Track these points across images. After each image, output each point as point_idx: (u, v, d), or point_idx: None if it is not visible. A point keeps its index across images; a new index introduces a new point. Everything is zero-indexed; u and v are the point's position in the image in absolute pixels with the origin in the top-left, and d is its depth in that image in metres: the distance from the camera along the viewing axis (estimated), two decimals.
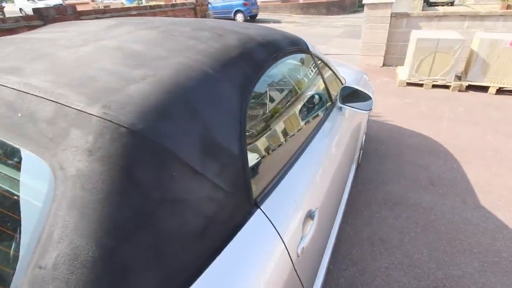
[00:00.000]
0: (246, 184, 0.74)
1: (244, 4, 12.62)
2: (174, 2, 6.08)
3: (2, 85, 0.64)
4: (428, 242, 1.82)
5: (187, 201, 0.60)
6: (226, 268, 0.63)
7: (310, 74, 1.34)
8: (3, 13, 11.01)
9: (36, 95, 0.60)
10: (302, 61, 1.29)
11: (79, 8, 4.14)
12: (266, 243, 0.72)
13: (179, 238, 0.57)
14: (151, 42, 0.82)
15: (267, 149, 0.90)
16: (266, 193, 0.81)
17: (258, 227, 0.73)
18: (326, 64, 1.53)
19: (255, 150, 0.84)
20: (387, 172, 2.52)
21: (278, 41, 1.05)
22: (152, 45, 0.80)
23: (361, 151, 2.51)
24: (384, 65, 5.46)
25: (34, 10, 3.62)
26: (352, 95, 1.50)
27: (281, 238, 0.75)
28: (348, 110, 1.54)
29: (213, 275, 0.60)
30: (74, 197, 0.51)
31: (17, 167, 0.58)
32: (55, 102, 0.58)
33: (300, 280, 0.84)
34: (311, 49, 1.35)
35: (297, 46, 1.19)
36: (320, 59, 1.45)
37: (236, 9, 12.78)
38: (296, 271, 0.80)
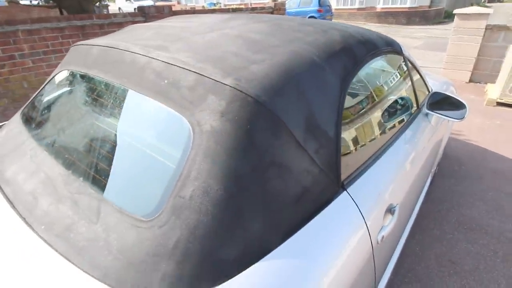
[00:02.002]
0: (337, 166, 0.80)
1: (318, 11, 12.58)
2: (253, 6, 6.39)
3: (153, 58, 0.81)
4: (508, 274, 1.63)
5: (290, 169, 0.69)
6: (312, 237, 0.69)
7: (400, 76, 1.33)
8: (108, 11, 12.86)
9: (181, 67, 0.75)
10: (394, 62, 1.30)
11: None
12: (350, 222, 0.77)
13: (280, 199, 0.66)
14: (265, 33, 0.93)
15: (355, 140, 0.94)
16: (352, 178, 0.86)
17: (344, 207, 0.78)
18: (416, 69, 1.50)
19: (345, 138, 0.89)
20: (463, 194, 2.32)
21: (375, 40, 1.09)
22: (266, 35, 0.92)
23: (437, 167, 2.35)
24: (470, 81, 4.96)
25: (138, 8, 4.19)
26: (441, 103, 1.44)
27: (365, 221, 0.79)
28: (434, 118, 1.48)
29: (299, 240, 0.67)
30: (208, 148, 0.63)
31: (164, 122, 0.73)
32: (196, 73, 0.72)
33: (374, 268, 0.87)
34: (404, 52, 1.35)
35: (391, 47, 1.21)
36: (411, 63, 1.44)
37: (310, 15, 12.81)
38: (373, 257, 0.83)
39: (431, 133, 1.48)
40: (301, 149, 0.71)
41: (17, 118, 1.08)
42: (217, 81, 0.69)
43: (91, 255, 0.59)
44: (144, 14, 4.08)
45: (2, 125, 1.21)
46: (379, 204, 0.88)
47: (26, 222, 0.68)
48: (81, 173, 0.74)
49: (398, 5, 14.43)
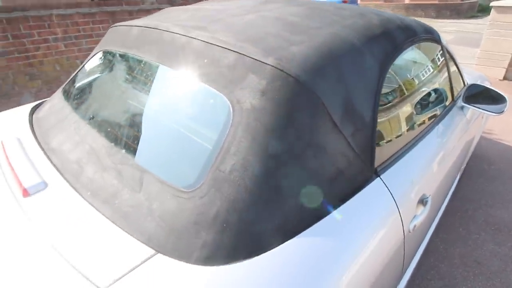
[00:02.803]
0: (371, 151, 0.79)
1: (344, 1, 12.25)
2: None
3: (193, 38, 0.82)
4: None
5: (326, 150, 0.69)
6: (345, 219, 0.70)
7: (436, 66, 1.29)
8: None
9: (221, 46, 0.76)
10: (431, 51, 1.26)
11: None
12: (383, 208, 0.77)
13: (315, 179, 0.67)
14: (303, 16, 0.93)
15: (389, 127, 0.93)
16: (386, 165, 0.85)
17: (377, 192, 0.78)
18: (453, 59, 1.45)
19: (380, 124, 0.88)
20: (493, 195, 2.23)
21: (414, 26, 1.06)
22: (305, 17, 0.91)
23: (465, 165, 2.27)
24: (505, 78, 4.70)
25: None
26: (477, 96, 1.39)
27: (398, 209, 0.78)
28: (469, 112, 1.43)
29: (333, 221, 0.68)
30: (248, 125, 0.64)
31: (204, 100, 0.74)
32: (236, 52, 0.73)
33: (404, 257, 0.86)
34: (442, 41, 1.30)
35: (430, 34, 1.17)
36: (449, 53, 1.38)
37: None
38: (404, 246, 0.83)
39: (464, 127, 1.43)
40: (337, 132, 0.71)
41: (59, 94, 1.14)
42: (258, 60, 0.70)
43: (135, 220, 0.62)
44: (170, 1, 4.13)
45: (45, 101, 1.27)
46: (412, 193, 0.87)
47: (74, 188, 0.73)
48: (124, 145, 0.77)
49: None
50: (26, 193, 0.70)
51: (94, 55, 1.14)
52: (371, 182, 0.79)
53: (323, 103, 0.69)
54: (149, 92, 0.86)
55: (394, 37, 0.92)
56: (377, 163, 0.82)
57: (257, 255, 0.57)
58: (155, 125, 0.78)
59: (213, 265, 0.55)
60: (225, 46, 0.75)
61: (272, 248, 0.59)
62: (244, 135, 0.63)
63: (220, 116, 0.69)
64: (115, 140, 0.80)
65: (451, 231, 1.89)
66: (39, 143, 0.92)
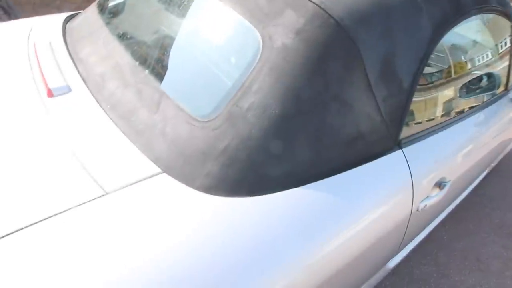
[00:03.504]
0: (401, 121, 0.74)
1: None
2: None
3: None
4: None
5: (352, 108, 0.64)
6: (355, 182, 0.68)
7: (499, 46, 1.14)
8: None
9: None
10: (499, 28, 1.10)
11: None
12: (397, 181, 0.74)
13: (334, 135, 0.64)
14: None
15: (425, 101, 0.85)
16: (411, 140, 0.80)
17: (395, 164, 0.74)
18: None
19: (417, 95, 0.81)
20: None
21: None
22: None
23: (496, 163, 2.13)
24: None
25: None
26: None
27: (413, 185, 0.75)
28: None
29: (342, 180, 0.66)
30: (276, 64, 0.60)
31: (235, 31, 0.70)
32: None
33: (404, 234, 0.85)
34: None
35: (503, 7, 1.01)
36: None
37: None
38: (408, 223, 0.81)
39: (509, 121, 1.30)
40: (369, 92, 0.66)
41: (93, 7, 1.12)
42: None
43: (147, 138, 0.63)
44: None
45: (79, 12, 1.26)
46: (432, 173, 0.82)
47: (96, 98, 0.74)
48: (148, 66, 0.76)
49: None
50: (50, 93, 0.73)
51: None
52: (391, 152, 0.75)
53: (362, 56, 0.63)
54: (181, 16, 0.82)
55: (460, 0, 0.80)
56: (402, 135, 0.77)
57: (259, 194, 0.57)
58: (182, 50, 0.75)
59: (214, 194, 0.56)
60: None
61: (274, 192, 0.59)
62: (269, 74, 0.60)
63: (248, 51, 0.65)
64: (140, 59, 0.79)
65: (460, 224, 1.84)
66: (68, 51, 0.92)
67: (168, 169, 0.59)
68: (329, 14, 0.60)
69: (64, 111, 0.70)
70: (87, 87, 0.78)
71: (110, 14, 1.03)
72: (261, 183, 0.58)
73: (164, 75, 0.73)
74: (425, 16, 0.72)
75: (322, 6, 0.61)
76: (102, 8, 1.08)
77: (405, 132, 0.78)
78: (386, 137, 0.73)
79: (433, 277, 1.52)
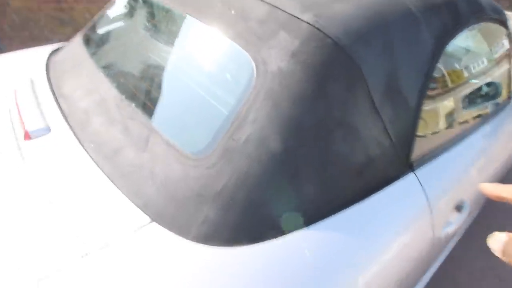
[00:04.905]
0: (410, 142, 0.68)
1: None
2: None
3: None
4: None
5: (358, 133, 0.59)
6: (368, 215, 0.61)
7: (498, 54, 1.11)
8: None
9: None
10: (495, 36, 1.07)
11: None
12: (413, 209, 0.67)
13: (342, 164, 0.57)
14: None
15: (433, 118, 0.80)
16: (423, 160, 0.73)
17: (409, 189, 0.67)
18: None
19: (425, 112, 0.76)
20: None
21: (481, 1, 0.89)
22: None
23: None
24: None
25: None
26: None
27: (431, 211, 0.68)
28: None
29: (354, 215, 0.59)
30: (271, 90, 0.55)
31: (226, 57, 0.65)
32: (269, 4, 0.62)
33: (425, 264, 0.77)
34: (510, 27, 1.10)
35: (498, 15, 0.98)
36: None
37: None
38: (429, 253, 0.73)
39: None
40: (375, 113, 0.60)
41: (78, 39, 1.08)
42: (293, 16, 0.59)
43: (134, 181, 0.56)
44: None
45: (63, 45, 1.22)
46: (448, 194, 0.75)
47: (78, 138, 0.68)
48: (135, 99, 0.70)
49: None
50: (27, 136, 0.66)
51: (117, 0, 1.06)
52: (403, 176, 0.68)
53: (364, 75, 0.57)
54: (169, 44, 0.77)
55: (458, 10, 0.77)
56: (413, 156, 0.71)
57: (262, 241, 0.50)
58: (171, 81, 0.70)
59: (212, 245, 0.48)
60: None
61: (280, 236, 0.51)
62: (266, 102, 0.54)
63: (241, 78, 0.59)
64: (127, 92, 0.73)
65: (477, 241, 1.75)
66: (51, 87, 0.87)
67: (158, 217, 0.52)
68: (325, 34, 0.56)
69: (42, 155, 0.64)
70: (70, 126, 0.72)
71: (95, 44, 0.99)
72: (265, 227, 0.51)
73: (152, 109, 0.67)
74: (425, 28, 0.68)
75: (316, 26, 0.56)
76: (87, 39, 1.04)
77: (416, 153, 0.72)
78: (396, 160, 0.66)
79: None
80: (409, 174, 0.69)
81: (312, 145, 0.54)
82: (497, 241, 0.25)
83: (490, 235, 0.26)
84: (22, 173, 0.60)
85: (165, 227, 0.50)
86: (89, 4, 3.34)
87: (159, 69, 0.74)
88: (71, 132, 0.69)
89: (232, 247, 0.48)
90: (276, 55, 0.57)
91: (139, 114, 0.66)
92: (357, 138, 0.59)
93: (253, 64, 0.58)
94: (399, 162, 0.67)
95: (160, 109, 0.66)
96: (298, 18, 0.58)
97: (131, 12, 0.97)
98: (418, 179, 0.70)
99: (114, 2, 1.07)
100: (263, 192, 0.51)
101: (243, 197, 0.50)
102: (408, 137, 0.68)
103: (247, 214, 0.50)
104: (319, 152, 0.55)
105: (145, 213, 0.52)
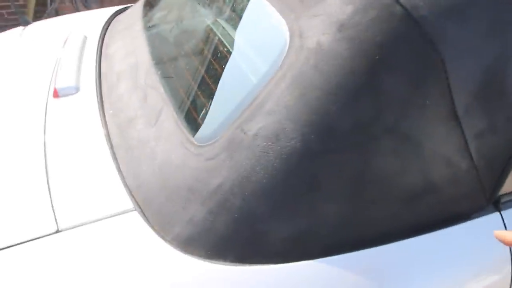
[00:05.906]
0: (503, 170, 0.47)
1: None
2: None
3: None
4: None
5: (418, 146, 0.42)
6: (411, 260, 0.45)
7: None
8: None
9: None
10: None
11: None
12: (491, 260, 0.48)
13: (383, 184, 0.42)
14: None
15: None
16: None
17: (487, 236, 0.48)
18: None
19: None
20: None
21: None
22: None
23: None
24: None
25: None
26: None
27: None
28: None
29: (392, 254, 0.44)
30: (301, 75, 0.41)
31: (256, 23, 0.53)
32: None
33: None
34: None
35: None
36: None
37: None
38: None
39: None
40: (454, 122, 0.42)
41: (141, 1, 1.07)
42: None
43: (135, 158, 0.51)
44: None
45: (131, 6, 1.24)
46: None
47: (101, 103, 0.65)
48: (161, 67, 0.64)
49: None
50: (56, 93, 0.66)
51: None
52: (483, 214, 0.49)
53: (446, 66, 0.39)
54: (209, 15, 0.69)
55: None
56: (502, 191, 0.50)
57: (251, 264, 0.39)
58: (198, 53, 0.62)
59: (190, 254, 0.40)
60: None
61: (278, 263, 0.40)
62: (292, 87, 0.41)
63: (268, 53, 0.47)
64: (158, 58, 0.68)
65: None
66: (100, 46, 0.87)
67: (144, 205, 0.45)
68: (394, 0, 0.38)
69: (60, 115, 0.63)
70: (100, 87, 0.70)
71: (149, 8, 0.96)
72: (259, 247, 0.40)
73: (172, 80, 0.60)
74: None
75: None
76: (147, 2, 1.03)
77: (506, 187, 0.51)
78: (475, 190, 0.47)
79: None
80: (492, 213, 0.49)
81: (345, 153, 0.40)
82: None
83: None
84: (37, 132, 0.59)
85: (145, 220, 0.43)
86: None
87: (193, 39, 0.67)
88: (96, 95, 0.67)
89: (212, 262, 0.39)
90: (319, 26, 0.42)
91: (160, 84, 0.60)
92: (414, 152, 0.42)
93: (287, 36, 0.44)
94: (479, 194, 0.48)
95: (179, 81, 0.59)
96: None
97: None
98: (503, 221, 0.49)
99: None
100: (266, 202, 0.40)
101: (238, 205, 0.40)
102: (501, 161, 0.47)
103: (240, 226, 0.40)
104: (354, 163, 0.40)
105: (132, 197, 0.46)
